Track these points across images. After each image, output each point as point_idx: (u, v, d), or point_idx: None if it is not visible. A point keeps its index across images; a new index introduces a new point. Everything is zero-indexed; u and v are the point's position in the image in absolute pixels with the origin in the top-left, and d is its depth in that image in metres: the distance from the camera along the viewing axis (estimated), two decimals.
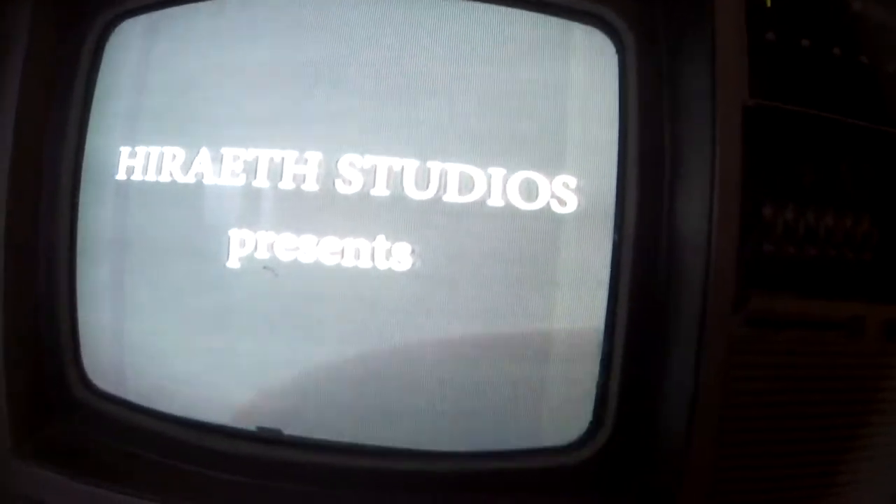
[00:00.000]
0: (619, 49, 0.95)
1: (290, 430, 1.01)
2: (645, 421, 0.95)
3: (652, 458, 0.95)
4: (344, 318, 0.98)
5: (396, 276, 0.95)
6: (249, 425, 1.02)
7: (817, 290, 0.92)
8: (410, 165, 0.94)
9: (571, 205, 0.94)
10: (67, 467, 1.01)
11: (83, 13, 1.07)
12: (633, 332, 0.95)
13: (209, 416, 1.03)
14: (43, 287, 1.07)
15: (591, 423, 0.97)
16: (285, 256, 0.97)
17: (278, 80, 1.00)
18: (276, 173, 0.97)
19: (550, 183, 0.94)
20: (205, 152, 1.00)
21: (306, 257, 0.97)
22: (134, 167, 1.03)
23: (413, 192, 0.94)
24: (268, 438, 1.01)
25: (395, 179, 0.95)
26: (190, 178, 1.01)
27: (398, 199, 0.95)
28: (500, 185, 0.94)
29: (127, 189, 1.04)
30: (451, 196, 0.94)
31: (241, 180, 0.98)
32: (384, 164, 0.95)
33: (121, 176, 1.04)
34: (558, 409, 0.98)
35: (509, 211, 0.94)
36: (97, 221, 1.07)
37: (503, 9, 0.96)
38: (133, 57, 1.06)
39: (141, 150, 1.03)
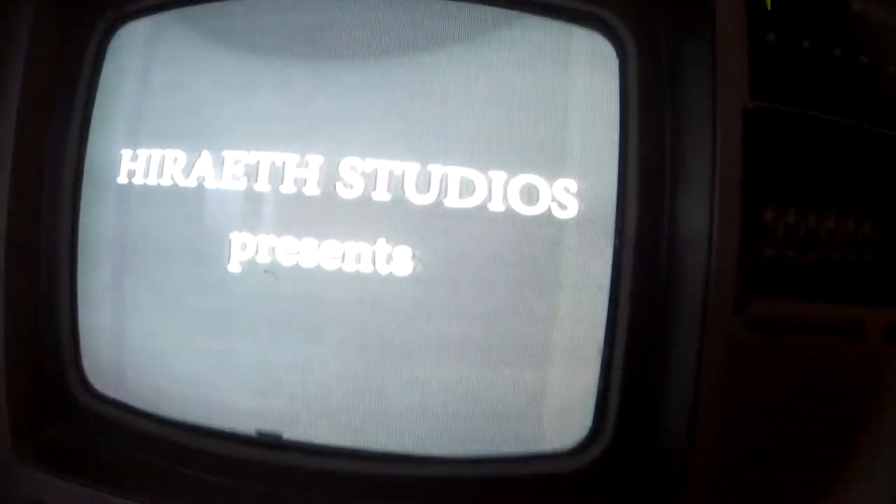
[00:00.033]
0: (619, 52, 0.95)
1: (290, 433, 1.01)
2: (646, 425, 0.95)
3: (653, 462, 0.94)
4: (345, 321, 0.98)
5: (397, 280, 0.95)
6: (249, 429, 1.01)
7: (818, 293, 0.92)
8: (411, 169, 0.94)
9: (572, 209, 0.94)
10: (67, 469, 1.02)
11: (85, 15, 1.07)
12: (633, 335, 0.94)
13: (209, 420, 1.03)
14: (44, 288, 1.08)
15: (592, 427, 0.97)
16: (286, 260, 0.97)
17: (280, 84, 1.00)
18: (277, 177, 0.97)
19: (551, 187, 0.94)
20: (206, 156, 1.00)
21: (307, 261, 0.96)
22: (135, 170, 1.03)
23: (414, 196, 0.94)
24: (267, 442, 1.01)
25: (396, 183, 0.94)
26: (191, 182, 1.01)
27: (399, 202, 0.94)
28: (501, 189, 0.93)
29: (128, 191, 1.04)
30: (452, 200, 0.94)
31: (242, 184, 0.98)
32: (385, 167, 0.95)
33: (122, 178, 1.04)
34: (559, 413, 0.97)
35: (510, 215, 0.94)
36: (98, 223, 1.07)
37: (504, 12, 0.96)
38: (135, 60, 1.07)
39: (142, 152, 1.03)
